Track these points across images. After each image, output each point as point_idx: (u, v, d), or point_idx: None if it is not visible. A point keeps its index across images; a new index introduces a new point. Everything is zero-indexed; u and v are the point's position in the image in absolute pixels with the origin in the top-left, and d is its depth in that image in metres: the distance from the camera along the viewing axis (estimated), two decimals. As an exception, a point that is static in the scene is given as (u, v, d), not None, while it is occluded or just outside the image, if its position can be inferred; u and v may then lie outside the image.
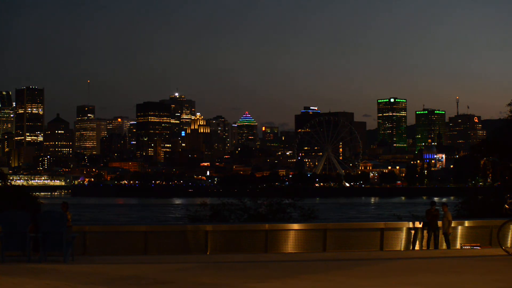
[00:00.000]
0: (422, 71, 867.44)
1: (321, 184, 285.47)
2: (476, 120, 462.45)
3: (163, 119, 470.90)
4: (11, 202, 27.83)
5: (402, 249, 23.88)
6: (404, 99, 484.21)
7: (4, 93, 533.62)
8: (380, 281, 13.00)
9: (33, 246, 17.58)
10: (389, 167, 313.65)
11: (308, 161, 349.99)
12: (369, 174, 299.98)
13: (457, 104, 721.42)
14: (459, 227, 25.02)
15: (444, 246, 24.54)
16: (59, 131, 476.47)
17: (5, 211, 18.96)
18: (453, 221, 25.84)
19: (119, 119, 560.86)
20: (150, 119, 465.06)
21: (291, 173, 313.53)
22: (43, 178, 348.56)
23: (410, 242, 24.17)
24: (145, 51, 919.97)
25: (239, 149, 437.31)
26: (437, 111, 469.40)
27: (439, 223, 24.61)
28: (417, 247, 24.13)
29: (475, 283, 12.89)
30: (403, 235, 24.30)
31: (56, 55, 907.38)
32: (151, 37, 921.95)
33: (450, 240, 24.53)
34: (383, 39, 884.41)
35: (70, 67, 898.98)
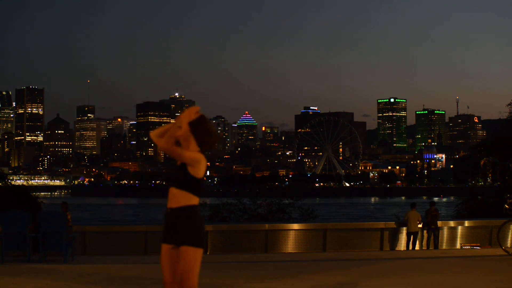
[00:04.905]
0: (422, 71, 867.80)
1: (321, 184, 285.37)
2: (476, 120, 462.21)
3: (163, 119, 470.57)
4: (11, 202, 27.79)
5: (402, 249, 23.89)
6: (404, 99, 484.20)
7: (4, 93, 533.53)
8: (380, 281, 13.00)
9: (33, 246, 17.57)
10: (389, 167, 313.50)
11: (308, 161, 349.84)
12: (369, 174, 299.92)
13: (457, 104, 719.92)
14: (459, 227, 25.03)
15: (445, 246, 24.54)
16: (59, 131, 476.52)
17: (5, 211, 18.97)
18: (452, 221, 25.87)
19: (119, 119, 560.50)
20: (150, 119, 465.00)
21: (291, 173, 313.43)
22: (43, 178, 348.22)
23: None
24: (146, 51, 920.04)
25: (239, 149, 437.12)
26: (437, 111, 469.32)
27: (439, 223, 24.65)
28: (417, 247, 24.15)
29: (475, 283, 12.89)
30: (403, 235, 24.32)
31: (56, 55, 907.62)
32: (151, 37, 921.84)
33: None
34: (383, 39, 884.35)
35: (70, 67, 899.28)
